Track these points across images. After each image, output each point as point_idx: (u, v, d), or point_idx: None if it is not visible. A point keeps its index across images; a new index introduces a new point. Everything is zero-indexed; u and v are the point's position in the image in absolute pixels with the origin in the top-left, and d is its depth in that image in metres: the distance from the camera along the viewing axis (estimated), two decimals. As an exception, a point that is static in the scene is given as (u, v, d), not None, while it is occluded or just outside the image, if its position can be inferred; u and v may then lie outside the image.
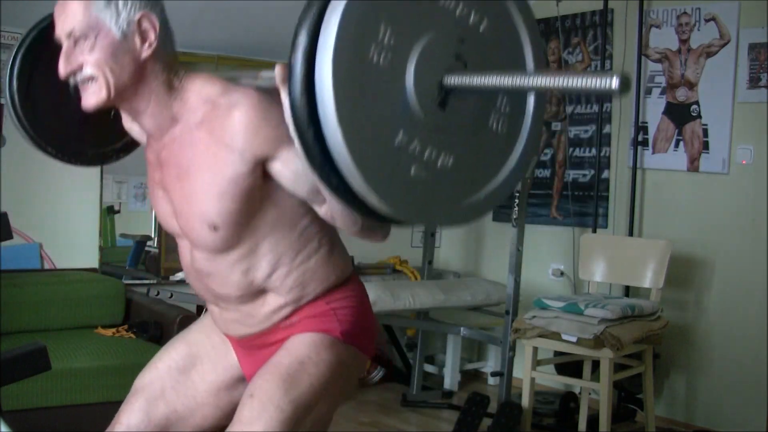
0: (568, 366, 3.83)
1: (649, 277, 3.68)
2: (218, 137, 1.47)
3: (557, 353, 3.63)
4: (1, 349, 1.90)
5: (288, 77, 1.15)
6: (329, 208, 1.47)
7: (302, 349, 1.55)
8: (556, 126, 4.58)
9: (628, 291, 4.04)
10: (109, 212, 4.16)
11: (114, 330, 3.51)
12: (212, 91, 1.50)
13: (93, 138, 1.88)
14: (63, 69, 1.47)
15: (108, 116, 1.79)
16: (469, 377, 4.84)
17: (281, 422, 1.47)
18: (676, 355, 4.00)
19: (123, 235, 4.29)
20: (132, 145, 1.88)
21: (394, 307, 3.83)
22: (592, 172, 4.36)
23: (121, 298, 3.66)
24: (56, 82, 1.52)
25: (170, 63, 1.53)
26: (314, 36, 1.11)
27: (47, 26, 1.71)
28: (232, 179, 1.47)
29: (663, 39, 4.08)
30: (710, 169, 3.91)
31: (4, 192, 3.57)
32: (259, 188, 1.49)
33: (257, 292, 1.59)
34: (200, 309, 3.59)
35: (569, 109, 4.49)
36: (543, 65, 1.36)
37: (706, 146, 3.92)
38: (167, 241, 4.15)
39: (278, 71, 1.33)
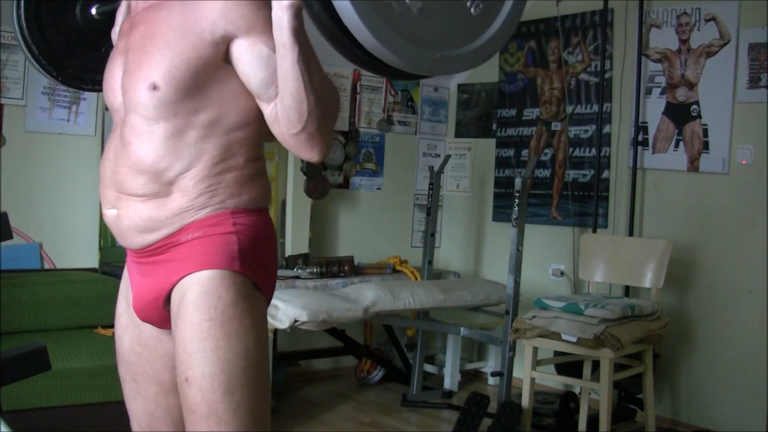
0: (568, 366, 3.83)
1: (649, 277, 3.68)
2: (196, 3, 1.48)
3: (557, 353, 3.63)
4: (1, 349, 1.90)
5: None
6: (279, 101, 1.47)
7: (204, 301, 1.48)
8: (556, 126, 4.58)
9: (628, 291, 4.04)
10: (109, 212, 4.16)
11: (113, 330, 3.51)
12: None
13: (80, 59, 1.99)
14: None
15: (102, 44, 1.91)
16: (469, 377, 4.84)
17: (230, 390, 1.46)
18: (676, 355, 4.00)
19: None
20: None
21: (394, 307, 3.83)
22: (592, 172, 4.36)
23: (121, 298, 3.66)
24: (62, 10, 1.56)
25: None
26: None
27: None
28: (193, 43, 1.47)
29: (663, 39, 4.08)
30: (710, 169, 3.91)
31: (4, 192, 3.57)
32: (215, 65, 1.49)
33: (165, 187, 1.52)
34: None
35: (569, 109, 4.49)
36: None
37: (706, 146, 3.92)
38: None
39: None
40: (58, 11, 1.93)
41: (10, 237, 1.99)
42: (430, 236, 4.52)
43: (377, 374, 4.60)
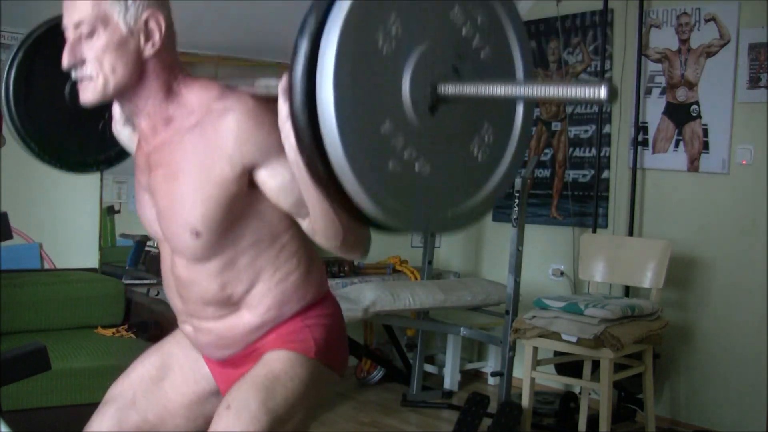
0: (568, 366, 3.83)
1: (649, 277, 3.68)
2: (209, 140, 1.47)
3: (557, 353, 3.63)
4: (1, 349, 1.90)
5: (292, 55, 1.16)
6: (312, 221, 1.48)
7: (277, 365, 1.54)
8: (556, 126, 4.58)
9: (628, 291, 4.04)
10: (109, 212, 4.16)
11: (114, 330, 3.51)
12: (209, 95, 1.51)
13: (77, 144, 1.90)
14: (66, 60, 1.47)
15: (98, 124, 1.82)
16: (469, 377, 4.84)
17: None
18: (676, 355, 4.00)
19: (123, 235, 4.28)
20: (115, 158, 1.91)
21: (394, 307, 3.83)
22: (592, 172, 4.36)
23: (121, 298, 3.66)
24: (52, 84, 1.52)
25: (171, 64, 1.53)
26: (326, 11, 1.13)
27: (45, 32, 1.73)
28: (218, 183, 1.47)
29: (663, 39, 4.08)
30: (710, 169, 3.91)
31: (4, 192, 3.57)
32: (244, 196, 1.49)
33: (234, 308, 1.58)
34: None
35: (569, 109, 4.49)
36: (532, 107, 1.39)
37: (706, 146, 3.92)
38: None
39: (281, 84, 1.33)
40: (50, 97, 1.84)
41: (10, 237, 2.00)
42: (430, 236, 4.52)
43: (377, 374, 4.60)
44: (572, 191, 4.46)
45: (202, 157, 1.47)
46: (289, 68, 1.14)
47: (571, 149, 4.49)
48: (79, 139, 1.90)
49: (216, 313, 1.59)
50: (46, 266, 3.85)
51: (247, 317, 1.58)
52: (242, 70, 4.45)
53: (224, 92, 1.50)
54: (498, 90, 1.15)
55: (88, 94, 1.49)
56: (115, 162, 1.93)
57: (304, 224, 1.52)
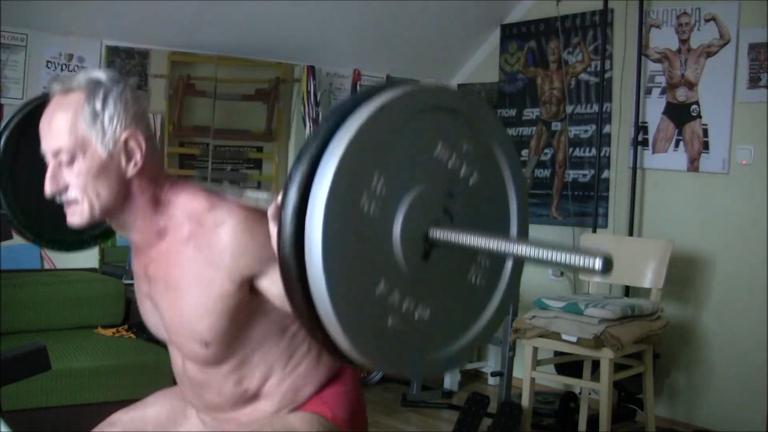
0: (568, 366, 3.83)
1: (649, 277, 3.68)
2: (205, 255, 1.46)
3: (557, 353, 3.63)
4: (1, 349, 1.90)
5: (278, 220, 1.09)
6: None
7: (295, 420, 1.57)
8: (556, 126, 4.58)
9: (628, 291, 4.04)
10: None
11: (114, 330, 3.51)
12: (198, 207, 1.49)
13: (55, 221, 1.79)
14: (49, 189, 1.45)
15: None
16: (469, 377, 4.84)
17: None
18: (676, 355, 4.00)
19: (123, 235, 4.28)
20: (112, 231, 1.86)
21: (394, 307, 3.82)
22: (592, 172, 4.36)
23: (121, 298, 3.66)
24: (38, 169, 1.49)
25: (155, 177, 1.51)
26: (308, 179, 1.07)
27: (33, 109, 1.68)
28: (220, 297, 1.47)
29: (663, 39, 4.08)
30: (710, 169, 3.90)
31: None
32: (247, 303, 1.50)
33: (251, 400, 1.61)
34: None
35: (569, 109, 4.49)
36: (525, 227, 1.34)
37: (706, 146, 3.92)
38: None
39: (271, 211, 1.28)
40: (34, 176, 1.71)
41: (10, 237, 1.99)
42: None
43: (377, 374, 4.60)
44: (572, 191, 4.46)
45: (201, 273, 1.47)
46: (278, 253, 1.09)
47: (571, 149, 4.49)
48: (56, 221, 1.77)
49: (234, 406, 1.61)
50: (46, 266, 3.85)
51: (265, 405, 1.60)
52: (242, 69, 4.45)
53: (213, 203, 1.49)
54: (489, 244, 1.11)
55: (75, 219, 1.47)
56: (113, 233, 1.88)
57: None
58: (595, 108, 4.34)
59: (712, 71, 3.89)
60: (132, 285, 4.06)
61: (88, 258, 3.94)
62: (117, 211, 1.49)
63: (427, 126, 1.17)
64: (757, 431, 3.63)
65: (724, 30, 3.83)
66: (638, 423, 3.96)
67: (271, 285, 1.46)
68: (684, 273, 3.94)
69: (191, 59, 4.26)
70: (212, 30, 4.12)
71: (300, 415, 1.58)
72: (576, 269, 1.04)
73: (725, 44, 3.84)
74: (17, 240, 3.85)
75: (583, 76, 4.42)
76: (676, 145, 4.03)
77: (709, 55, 3.90)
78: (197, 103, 4.31)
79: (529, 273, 4.50)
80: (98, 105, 1.44)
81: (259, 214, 1.44)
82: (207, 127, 4.31)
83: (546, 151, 4.62)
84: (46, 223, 1.82)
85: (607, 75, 4.29)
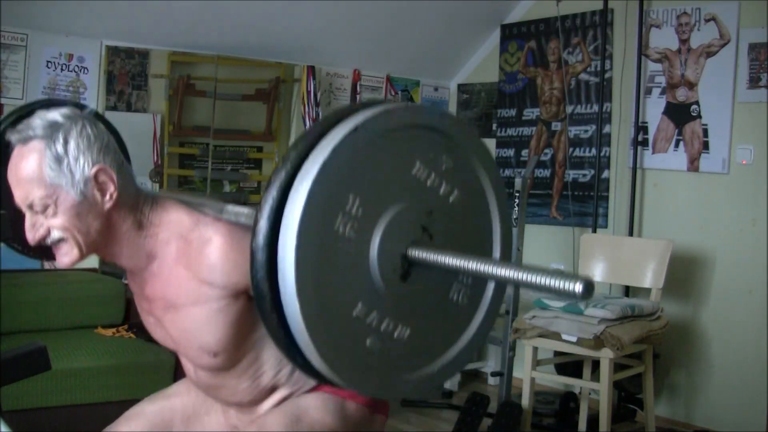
0: (568, 366, 3.83)
1: (649, 277, 3.68)
2: (196, 273, 1.47)
3: (557, 353, 3.63)
4: (1, 349, 1.90)
5: (251, 246, 1.08)
6: None
7: (309, 403, 1.59)
8: (556, 126, 4.58)
9: (628, 291, 4.04)
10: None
11: (114, 330, 3.51)
12: (182, 225, 1.50)
13: None
14: (31, 238, 1.45)
15: None
16: (469, 377, 4.84)
17: None
18: (676, 355, 4.00)
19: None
20: None
21: (394, 307, 3.82)
22: (592, 172, 4.36)
23: (121, 298, 3.66)
24: None
25: (134, 203, 1.51)
26: (282, 200, 1.06)
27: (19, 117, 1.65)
28: (219, 310, 1.48)
29: (663, 39, 4.08)
30: (710, 169, 3.90)
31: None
32: (248, 311, 1.50)
33: (267, 393, 1.63)
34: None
35: (569, 109, 4.49)
36: (509, 243, 1.30)
37: (706, 146, 3.92)
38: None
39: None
40: None
41: (10, 237, 1.99)
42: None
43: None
44: (572, 191, 4.46)
45: (195, 290, 1.48)
46: (251, 281, 1.08)
47: (571, 149, 4.49)
48: None
49: (252, 402, 1.64)
50: (46, 266, 3.84)
51: (281, 393, 1.63)
52: (242, 69, 4.45)
53: (197, 220, 1.50)
54: (470, 265, 1.09)
55: (65, 259, 1.47)
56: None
57: None
58: (595, 108, 4.34)
59: (712, 71, 3.89)
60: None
61: (88, 258, 3.93)
62: (102, 244, 1.50)
63: (405, 145, 1.15)
64: (757, 431, 3.63)
65: (724, 30, 3.83)
66: (638, 423, 3.96)
67: None
68: (684, 273, 3.94)
69: (191, 59, 4.26)
70: (212, 30, 4.12)
71: (313, 396, 1.59)
72: (557, 292, 1.01)
73: (725, 44, 3.84)
74: (17, 240, 3.81)
75: (583, 76, 4.42)
76: (676, 145, 4.03)
77: (709, 55, 3.90)
78: (197, 103, 4.31)
79: (529, 273, 4.45)
80: (60, 149, 1.41)
81: (244, 229, 1.44)
82: (207, 127, 4.31)
83: (546, 151, 4.62)
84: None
85: (607, 75, 4.29)
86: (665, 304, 3.77)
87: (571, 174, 4.48)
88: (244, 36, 4.25)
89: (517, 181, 3.76)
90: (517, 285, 1.07)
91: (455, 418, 3.62)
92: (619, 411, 3.92)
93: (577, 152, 4.46)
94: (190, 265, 1.48)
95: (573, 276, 1.01)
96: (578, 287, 1.01)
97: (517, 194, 3.75)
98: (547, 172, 4.61)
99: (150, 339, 3.45)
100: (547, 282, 1.01)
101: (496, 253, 1.29)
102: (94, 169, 1.44)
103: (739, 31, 3.79)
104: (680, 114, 4.02)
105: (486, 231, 1.28)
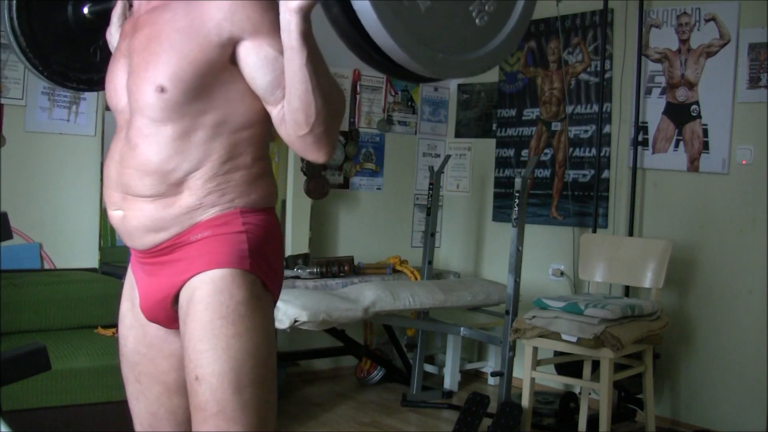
0: (568, 366, 3.83)
1: (649, 277, 3.68)
2: (203, 4, 1.47)
3: (557, 353, 3.63)
4: (1, 349, 1.90)
5: None
6: (286, 102, 1.47)
7: (215, 299, 1.49)
8: (556, 126, 4.58)
9: (628, 291, 4.04)
10: (109, 212, 4.15)
11: (114, 330, 3.50)
12: None
13: (65, 58, 1.96)
14: None
15: (90, 47, 1.94)
16: (469, 377, 4.84)
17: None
18: (676, 355, 4.00)
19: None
20: (96, 83, 1.96)
21: (394, 307, 3.83)
22: (592, 172, 4.36)
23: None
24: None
25: None
26: None
27: None
28: (199, 45, 1.46)
29: (663, 39, 4.08)
30: (710, 169, 3.90)
31: (4, 192, 3.57)
32: (220, 67, 1.49)
33: (173, 187, 1.53)
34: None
35: (569, 109, 4.49)
36: None
37: (706, 146, 3.92)
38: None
39: None
40: (50, 6, 1.91)
41: (10, 237, 1.99)
42: (430, 236, 4.52)
43: (377, 374, 4.60)
44: (572, 191, 4.46)
45: (191, 18, 1.47)
46: None
47: (571, 149, 4.49)
48: (68, 54, 1.95)
49: (153, 189, 1.53)
50: (46, 266, 3.85)
51: (185, 198, 1.53)
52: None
53: None
54: None
55: None
56: (95, 87, 1.99)
57: (275, 111, 1.50)
58: (595, 108, 4.34)
59: (712, 71, 3.89)
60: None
61: (88, 258, 3.94)
62: None
63: None
64: (757, 431, 3.63)
65: (724, 30, 3.83)
66: (638, 423, 3.96)
67: (253, 51, 1.47)
68: (684, 273, 3.94)
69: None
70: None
71: (237, 278, 1.51)
72: None
73: (725, 44, 3.84)
74: (17, 240, 3.86)
75: (583, 76, 4.42)
76: (676, 145, 4.03)
77: (709, 55, 3.90)
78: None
79: (529, 273, 4.52)
80: None
81: None
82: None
83: (546, 151, 4.62)
84: (50, 51, 1.93)
85: (607, 75, 4.30)
86: (665, 304, 3.77)
87: (571, 174, 4.49)
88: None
89: (517, 181, 3.76)
90: None
91: (455, 418, 3.63)
92: (619, 411, 3.92)
93: (577, 152, 4.47)
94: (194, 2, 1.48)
95: None
96: None
97: (517, 194, 3.75)
98: (547, 172, 4.61)
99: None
100: None
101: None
102: None
103: (739, 31, 3.79)
104: (680, 114, 4.02)
105: None
